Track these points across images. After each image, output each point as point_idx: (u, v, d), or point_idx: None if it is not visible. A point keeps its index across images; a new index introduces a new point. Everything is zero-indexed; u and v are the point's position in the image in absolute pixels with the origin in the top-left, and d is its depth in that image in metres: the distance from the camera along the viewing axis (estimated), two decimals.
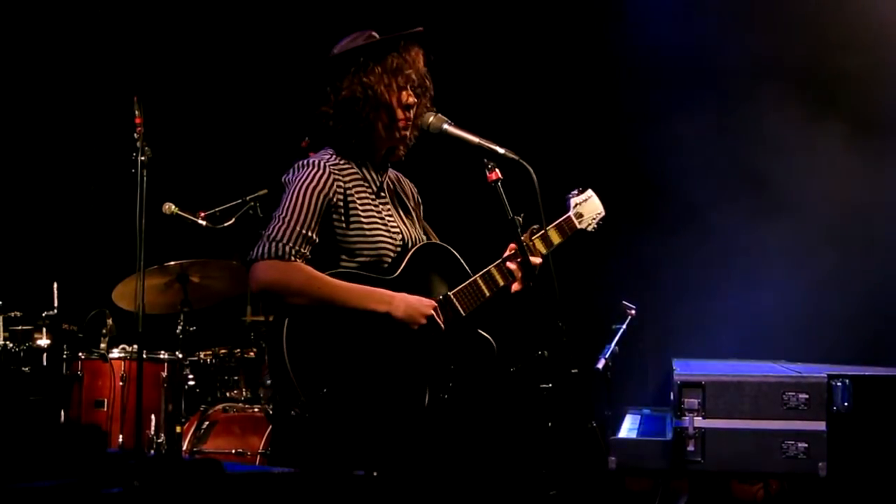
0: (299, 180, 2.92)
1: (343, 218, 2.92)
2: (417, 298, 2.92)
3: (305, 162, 2.96)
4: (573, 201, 3.34)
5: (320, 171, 2.92)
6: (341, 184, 2.95)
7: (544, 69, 6.43)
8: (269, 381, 3.02)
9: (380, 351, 2.85)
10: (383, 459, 2.86)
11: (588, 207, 3.35)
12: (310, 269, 2.84)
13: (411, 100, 3.00)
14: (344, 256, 2.94)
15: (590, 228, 3.35)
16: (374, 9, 6.04)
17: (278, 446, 2.98)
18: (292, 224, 2.85)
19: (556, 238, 3.22)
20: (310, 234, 2.87)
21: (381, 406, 2.82)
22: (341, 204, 2.93)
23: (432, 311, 2.92)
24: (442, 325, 2.94)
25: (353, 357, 2.80)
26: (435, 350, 2.95)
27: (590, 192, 3.39)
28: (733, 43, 5.96)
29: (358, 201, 2.96)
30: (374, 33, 3.04)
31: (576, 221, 3.30)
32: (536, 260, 3.10)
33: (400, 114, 2.99)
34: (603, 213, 3.39)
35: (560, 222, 3.26)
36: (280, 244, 2.83)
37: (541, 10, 6.31)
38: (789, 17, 5.92)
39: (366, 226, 2.95)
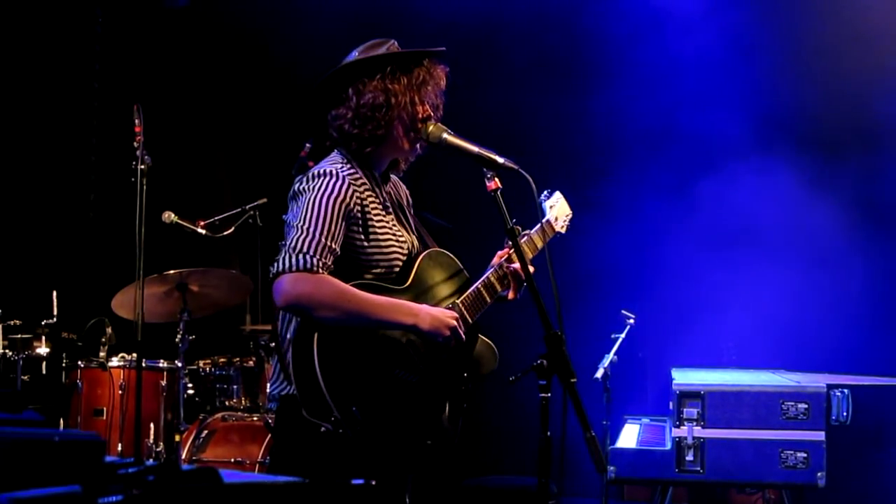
0: (318, 190, 2.82)
1: (361, 229, 2.87)
2: (440, 310, 2.89)
3: (321, 171, 2.87)
4: (547, 204, 3.34)
5: (339, 181, 2.84)
6: (358, 194, 2.88)
7: (544, 71, 6.44)
8: (274, 392, 2.94)
9: (406, 364, 2.82)
10: (411, 473, 2.87)
11: (560, 210, 3.37)
12: (337, 281, 2.75)
13: (429, 115, 2.98)
14: (364, 267, 2.89)
15: (563, 230, 3.37)
16: (372, 17, 6.06)
17: (289, 458, 2.88)
18: (316, 235, 2.75)
19: (539, 242, 3.24)
20: (333, 245, 2.78)
21: (409, 420, 2.80)
22: (359, 215, 2.87)
23: (455, 322, 2.89)
24: (463, 336, 2.92)
25: (382, 371, 2.77)
26: (453, 360, 2.94)
27: (558, 193, 3.40)
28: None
29: (372, 212, 2.91)
30: (395, 43, 3.02)
31: (553, 224, 3.32)
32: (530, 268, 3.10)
33: (418, 126, 2.96)
34: (571, 214, 3.41)
35: (542, 225, 3.27)
36: (307, 256, 2.73)
37: (540, 12, 6.32)
38: None
39: (381, 237, 2.91)
